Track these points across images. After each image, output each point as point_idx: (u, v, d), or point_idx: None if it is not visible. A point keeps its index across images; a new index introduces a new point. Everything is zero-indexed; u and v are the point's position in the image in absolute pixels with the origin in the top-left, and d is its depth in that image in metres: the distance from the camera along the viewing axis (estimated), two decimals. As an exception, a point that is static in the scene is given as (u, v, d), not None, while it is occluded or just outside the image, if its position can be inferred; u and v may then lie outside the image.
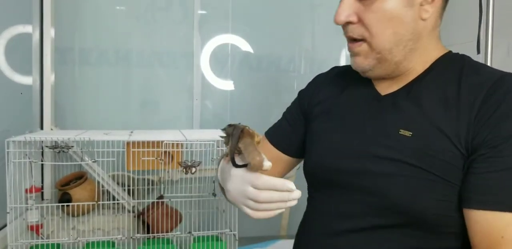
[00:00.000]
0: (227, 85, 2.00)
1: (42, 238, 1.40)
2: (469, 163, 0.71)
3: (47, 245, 1.35)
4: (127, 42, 1.90)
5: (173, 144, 1.37)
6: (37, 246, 1.34)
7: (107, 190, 1.58)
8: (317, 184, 0.89)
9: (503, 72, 0.78)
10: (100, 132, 1.49)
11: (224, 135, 0.79)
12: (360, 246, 0.79)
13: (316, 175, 0.88)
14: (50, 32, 1.71)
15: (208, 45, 1.95)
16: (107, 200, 1.57)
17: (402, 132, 0.77)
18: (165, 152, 1.39)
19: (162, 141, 1.38)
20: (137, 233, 1.47)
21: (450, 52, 0.87)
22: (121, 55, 1.89)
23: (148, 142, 1.39)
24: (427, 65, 0.83)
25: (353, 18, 0.78)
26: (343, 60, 2.06)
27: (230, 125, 0.77)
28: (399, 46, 0.78)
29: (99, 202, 1.48)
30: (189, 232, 1.45)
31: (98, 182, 1.51)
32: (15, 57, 1.57)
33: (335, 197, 0.83)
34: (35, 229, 1.38)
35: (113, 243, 1.40)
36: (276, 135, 1.00)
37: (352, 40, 0.80)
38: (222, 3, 1.96)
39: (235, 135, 0.73)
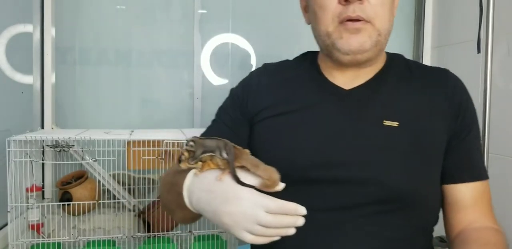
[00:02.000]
0: (228, 84, 2.00)
1: (43, 237, 1.40)
2: (453, 145, 0.84)
3: (48, 244, 1.35)
4: (128, 42, 1.90)
5: (173, 143, 1.37)
6: (38, 245, 1.35)
7: (107, 189, 1.58)
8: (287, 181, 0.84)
9: (440, 68, 0.91)
10: (101, 131, 1.49)
11: (191, 149, 0.71)
12: (358, 235, 0.79)
13: (289, 172, 0.81)
14: (50, 32, 1.72)
15: (209, 44, 1.95)
16: (107, 199, 1.57)
17: (387, 123, 0.81)
18: (165, 151, 1.40)
19: (162, 140, 1.38)
20: (138, 232, 1.47)
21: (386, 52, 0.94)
22: (122, 54, 1.89)
23: (148, 141, 1.40)
24: (383, 62, 0.90)
25: None
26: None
27: (197, 140, 0.71)
28: (388, 34, 0.84)
29: (99, 201, 1.49)
30: (190, 231, 1.46)
31: (99, 181, 1.51)
32: (16, 56, 1.58)
33: (316, 192, 0.80)
34: (36, 228, 1.39)
35: (114, 242, 1.40)
36: None
37: (353, 20, 0.79)
38: (223, 2, 1.96)
39: (231, 151, 0.69)
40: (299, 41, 1.98)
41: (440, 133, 0.83)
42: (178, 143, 1.38)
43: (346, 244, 0.79)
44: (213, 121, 0.97)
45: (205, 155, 0.70)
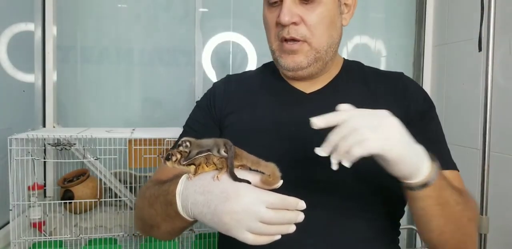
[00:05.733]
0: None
1: (44, 235, 1.41)
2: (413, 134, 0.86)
3: (50, 242, 1.35)
4: (129, 40, 1.90)
5: (174, 141, 1.37)
6: (39, 243, 1.35)
7: (109, 188, 1.58)
8: None
9: (396, 72, 0.97)
10: (102, 129, 1.50)
11: (185, 150, 0.68)
12: (324, 233, 0.81)
13: None
14: (52, 30, 1.72)
15: (210, 43, 1.96)
16: (109, 198, 1.57)
17: None
18: (166, 149, 1.40)
19: (163, 139, 1.38)
20: (139, 230, 1.48)
21: (345, 58, 1.00)
22: (123, 53, 1.89)
23: (150, 140, 1.40)
24: (338, 68, 0.96)
25: (297, 19, 0.84)
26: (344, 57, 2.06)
27: (193, 140, 0.68)
28: (331, 47, 0.89)
29: (101, 200, 1.49)
30: (191, 229, 1.46)
31: (100, 180, 1.52)
32: (18, 55, 1.58)
33: (283, 192, 0.79)
34: (38, 226, 1.39)
35: (115, 240, 1.40)
36: None
37: (289, 40, 0.85)
38: (223, 1, 1.96)
39: (231, 148, 0.66)
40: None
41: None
42: (179, 141, 1.38)
43: (310, 239, 0.81)
44: (184, 132, 0.98)
45: (201, 155, 0.67)
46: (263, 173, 0.66)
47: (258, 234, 0.63)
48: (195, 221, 0.72)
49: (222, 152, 0.67)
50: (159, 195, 0.75)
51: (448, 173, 0.84)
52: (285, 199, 0.63)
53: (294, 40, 0.85)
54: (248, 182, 0.65)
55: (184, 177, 0.71)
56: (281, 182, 0.66)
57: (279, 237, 0.64)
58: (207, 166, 0.69)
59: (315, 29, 0.85)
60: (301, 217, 0.64)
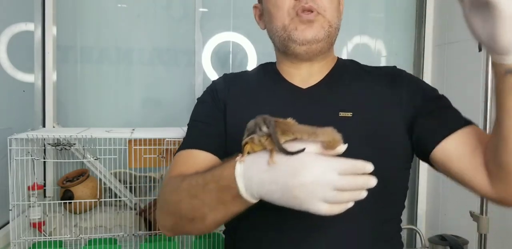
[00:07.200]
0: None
1: (44, 235, 1.41)
2: (418, 118, 0.86)
3: (49, 242, 1.35)
4: (129, 40, 1.90)
5: (174, 141, 1.37)
6: (39, 243, 1.35)
7: (109, 188, 1.58)
8: None
9: (388, 66, 1.00)
10: (102, 129, 1.49)
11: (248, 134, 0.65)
12: (324, 225, 0.81)
13: None
14: (52, 30, 1.72)
15: (210, 43, 1.96)
16: (109, 198, 1.57)
17: (342, 114, 0.87)
18: (166, 149, 1.40)
19: (163, 139, 1.38)
20: (139, 230, 1.48)
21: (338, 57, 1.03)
22: (123, 53, 1.89)
23: (150, 140, 1.40)
24: (333, 63, 0.98)
25: None
26: (344, 58, 2.05)
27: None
28: (337, 29, 0.94)
29: (101, 200, 1.49)
30: (191, 229, 1.46)
31: (100, 180, 1.52)
32: (17, 55, 1.58)
33: None
34: (38, 226, 1.39)
35: (115, 240, 1.40)
36: (209, 143, 0.90)
37: (306, 10, 0.88)
38: (223, 1, 1.96)
39: (271, 123, 0.63)
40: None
41: (395, 120, 0.87)
42: (179, 141, 1.38)
43: (314, 230, 0.81)
44: (190, 127, 0.97)
45: (246, 139, 0.65)
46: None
47: (333, 203, 0.62)
48: (255, 203, 0.70)
49: (265, 129, 0.63)
50: (207, 182, 0.72)
51: (467, 131, 0.82)
52: (354, 163, 0.62)
53: (311, 11, 0.88)
54: (302, 151, 0.62)
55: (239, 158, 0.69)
56: (345, 146, 0.64)
57: (352, 204, 0.63)
58: (256, 145, 0.66)
59: (329, 5, 0.89)
60: (372, 181, 0.62)
